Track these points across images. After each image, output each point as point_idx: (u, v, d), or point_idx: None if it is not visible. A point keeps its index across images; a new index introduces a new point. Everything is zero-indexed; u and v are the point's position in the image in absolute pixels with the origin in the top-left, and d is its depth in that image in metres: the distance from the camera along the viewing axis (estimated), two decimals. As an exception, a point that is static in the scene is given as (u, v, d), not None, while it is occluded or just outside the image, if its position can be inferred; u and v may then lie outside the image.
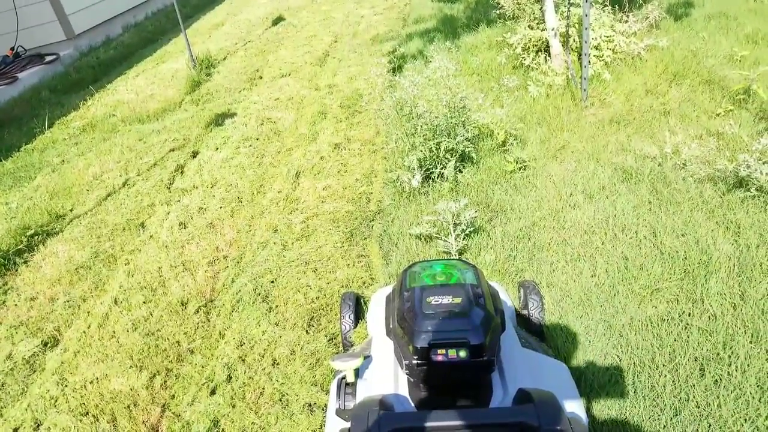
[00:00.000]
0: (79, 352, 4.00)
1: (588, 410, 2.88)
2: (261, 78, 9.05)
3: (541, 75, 6.51)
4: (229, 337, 3.92)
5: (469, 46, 8.05)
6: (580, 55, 6.74)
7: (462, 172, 5.12)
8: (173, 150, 6.81)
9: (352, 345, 3.40)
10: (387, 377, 2.12)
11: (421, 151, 4.97)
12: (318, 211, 5.23)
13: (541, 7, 6.76)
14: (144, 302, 4.38)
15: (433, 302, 2.00)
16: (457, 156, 5.04)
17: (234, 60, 10.04)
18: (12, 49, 11.34)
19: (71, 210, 5.87)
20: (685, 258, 3.79)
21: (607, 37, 6.69)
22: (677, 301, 3.50)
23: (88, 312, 4.39)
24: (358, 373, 2.15)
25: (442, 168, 5.03)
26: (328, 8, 12.67)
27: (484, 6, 9.67)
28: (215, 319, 4.14)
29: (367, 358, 2.29)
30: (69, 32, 11.87)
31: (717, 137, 5.04)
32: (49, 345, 4.15)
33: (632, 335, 3.32)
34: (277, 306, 4.12)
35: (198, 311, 4.23)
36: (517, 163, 5.08)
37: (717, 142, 4.89)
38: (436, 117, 4.98)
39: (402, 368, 2.02)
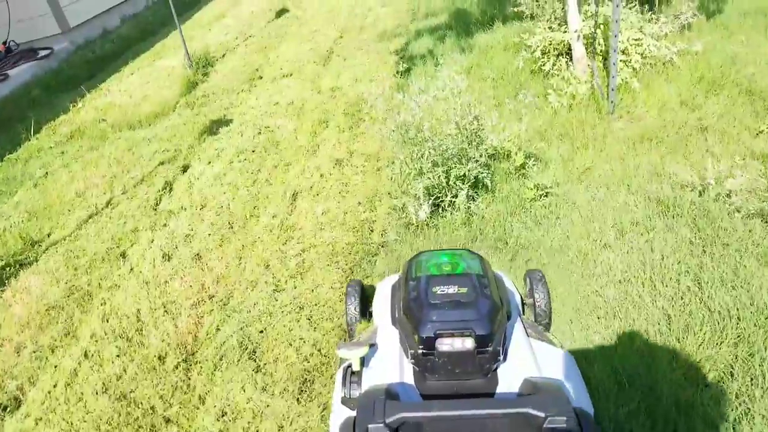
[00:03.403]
0: (41, 419, 3.51)
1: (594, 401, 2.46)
2: (261, 78, 8.50)
3: (563, 82, 5.93)
4: (209, 404, 3.42)
5: (483, 46, 7.45)
6: (605, 59, 6.16)
7: (475, 200, 4.57)
8: (162, 163, 6.29)
9: (356, 333, 3.37)
10: (392, 366, 2.09)
11: (429, 178, 4.43)
12: (315, 240, 4.71)
13: (563, 7, 6.16)
14: (117, 355, 3.88)
15: (439, 292, 2.01)
16: (470, 183, 4.50)
17: (233, 57, 9.49)
18: (4, 43, 10.83)
19: (49, 235, 5.38)
20: (739, 319, 3.24)
21: (636, 40, 6.09)
22: (731, 375, 2.97)
23: (56, 366, 3.91)
24: (363, 361, 2.10)
25: (452, 197, 4.49)
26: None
27: (499, 0, 9.05)
28: (195, 379, 3.65)
29: (373, 347, 2.24)
30: (64, 25, 11.35)
31: (762, 160, 4.47)
32: (9, 409, 3.66)
33: (681, 421, 2.79)
34: (265, 365, 3.62)
35: (177, 367, 3.74)
36: (537, 189, 4.53)
37: (763, 167, 4.32)
38: (444, 139, 4.43)
39: (408, 357, 2.03)
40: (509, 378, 1.96)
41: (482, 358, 1.92)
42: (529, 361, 2.05)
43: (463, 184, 4.46)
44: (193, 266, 4.66)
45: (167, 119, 7.55)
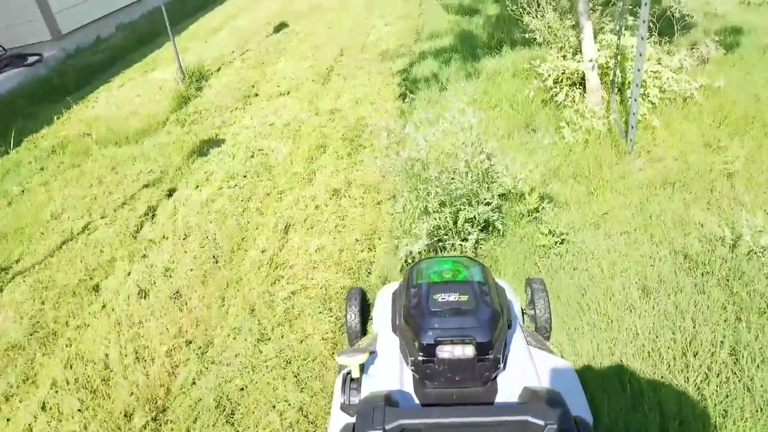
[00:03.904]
0: (-16, 486, 3.09)
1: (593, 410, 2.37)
2: (257, 95, 8.11)
3: (578, 116, 5.55)
4: (178, 478, 3.00)
5: (490, 72, 7.08)
6: (620, 90, 5.81)
7: (482, 244, 4.17)
8: (147, 186, 5.88)
9: (357, 340, 3.34)
10: (392, 373, 2.07)
11: (436, 218, 4.03)
12: (307, 282, 4.30)
13: (578, 35, 5.80)
14: (79, 410, 3.45)
15: (439, 299, 2.00)
16: (480, 227, 4.10)
17: (229, 72, 9.10)
18: (-9, 48, 10.45)
19: (18, 261, 4.95)
20: (786, 406, 2.84)
21: (654, 72, 5.74)
22: (780, 477, 2.57)
23: (8, 420, 3.47)
24: (363, 368, 2.08)
25: (462, 240, 4.09)
26: (335, 15, 11.71)
27: (506, 22, 8.70)
28: (165, 444, 3.22)
29: (373, 354, 2.22)
30: (55, 32, 10.95)
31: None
32: (-52, 471, 3.24)
33: None
34: (244, 431, 3.20)
35: (145, 427, 3.31)
36: (552, 235, 4.14)
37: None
38: (452, 177, 4.03)
39: (407, 364, 2.01)
40: (509, 386, 1.94)
41: (482, 366, 1.91)
42: (528, 369, 2.04)
43: (473, 227, 4.06)
44: (171, 306, 4.24)
45: (156, 136, 7.15)
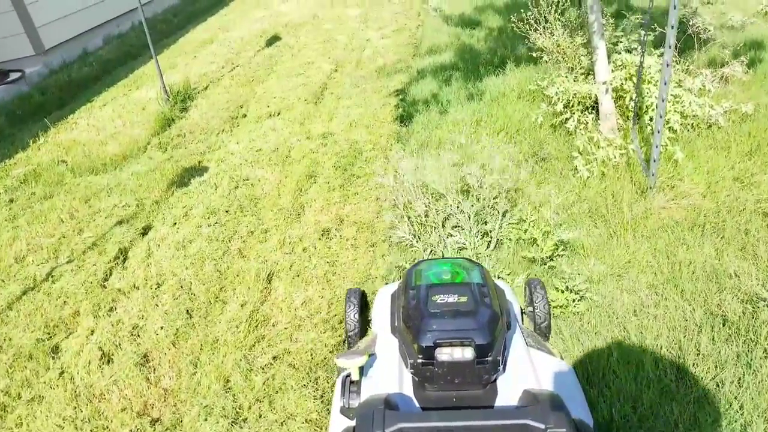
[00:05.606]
0: None
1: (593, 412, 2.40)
2: (245, 116, 7.61)
3: (591, 145, 5.04)
4: None
5: (494, 92, 6.57)
6: (637, 114, 5.31)
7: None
8: (121, 223, 5.37)
9: (356, 342, 3.31)
10: (392, 376, 2.03)
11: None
12: (291, 344, 3.81)
13: (590, 56, 5.30)
14: None
15: (438, 301, 1.98)
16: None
17: (217, 90, 8.59)
18: (-30, 65, 9.97)
19: (-28, 315, 4.45)
20: None
21: (674, 96, 5.23)
22: None
23: None
24: (362, 371, 2.02)
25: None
26: (330, 27, 11.21)
27: (510, 36, 8.19)
28: None
29: (372, 356, 2.17)
30: (38, 46, 10.45)
31: None
32: None
33: None
34: None
35: None
36: (570, 292, 3.63)
37: None
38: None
39: (407, 367, 1.99)
40: (508, 389, 1.92)
41: (482, 369, 1.88)
42: (528, 372, 2.01)
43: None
44: (136, 374, 3.73)
45: (135, 163, 6.64)
